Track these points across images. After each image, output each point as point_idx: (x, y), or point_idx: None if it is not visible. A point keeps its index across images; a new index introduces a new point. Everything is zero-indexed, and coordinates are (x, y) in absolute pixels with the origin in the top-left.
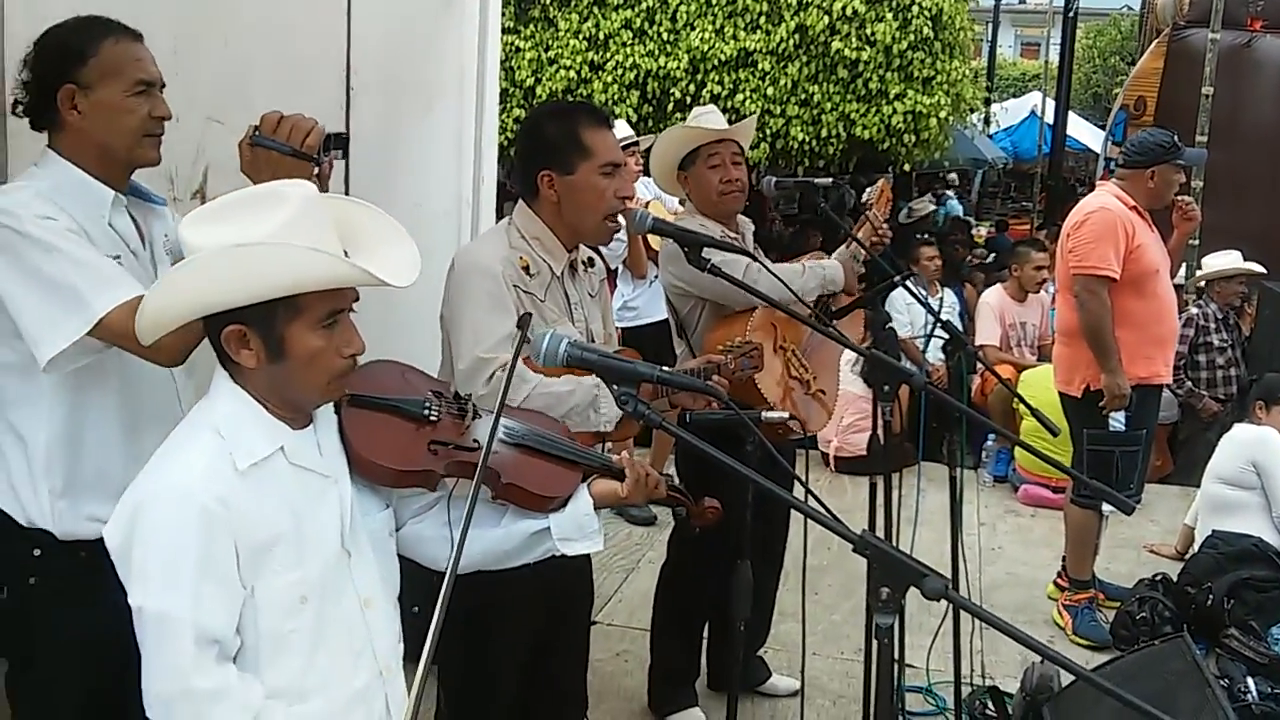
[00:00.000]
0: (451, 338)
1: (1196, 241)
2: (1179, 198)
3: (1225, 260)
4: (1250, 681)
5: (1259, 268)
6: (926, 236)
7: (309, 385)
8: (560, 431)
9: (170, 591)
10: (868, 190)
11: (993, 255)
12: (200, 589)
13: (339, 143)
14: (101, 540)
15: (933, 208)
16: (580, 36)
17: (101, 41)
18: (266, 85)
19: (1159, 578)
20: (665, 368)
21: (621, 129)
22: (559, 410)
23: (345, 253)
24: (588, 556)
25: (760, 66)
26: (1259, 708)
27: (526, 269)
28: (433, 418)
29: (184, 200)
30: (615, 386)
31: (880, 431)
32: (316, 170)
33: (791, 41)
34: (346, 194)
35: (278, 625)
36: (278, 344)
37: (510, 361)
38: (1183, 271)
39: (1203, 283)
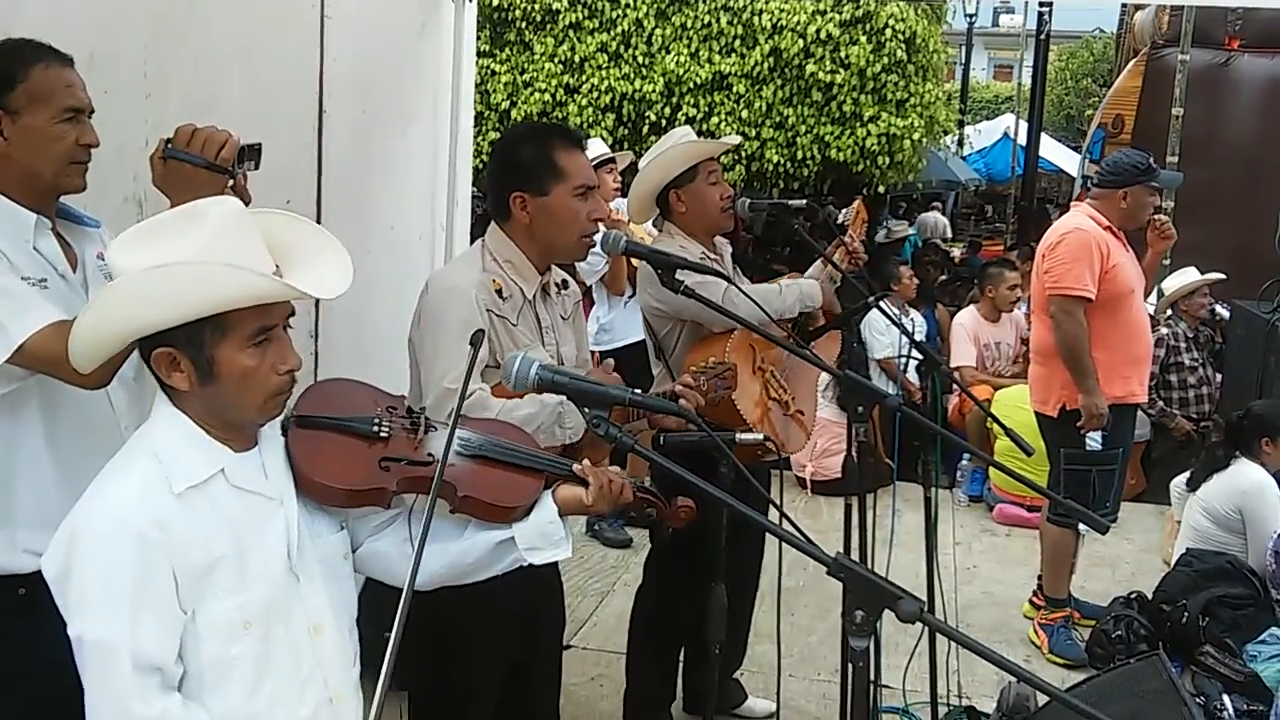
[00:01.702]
0: (421, 365)
1: (1168, 261)
2: (1155, 217)
3: (1183, 278)
4: (1226, 699)
5: (1217, 275)
6: (904, 257)
7: (245, 405)
8: (520, 439)
9: (107, 619)
10: (844, 211)
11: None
12: (138, 615)
13: (253, 154)
14: (40, 573)
15: (911, 230)
16: (556, 60)
17: (31, 67)
18: (237, 107)
19: (1134, 596)
20: (637, 390)
21: (597, 146)
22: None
23: (277, 267)
24: (560, 580)
25: (735, 89)
26: None
27: (499, 292)
28: (383, 434)
29: None
30: (586, 410)
31: (854, 452)
32: (231, 183)
33: (766, 65)
34: (318, 217)
35: (221, 651)
36: (208, 365)
37: (464, 376)
38: (1153, 296)
39: (1168, 309)
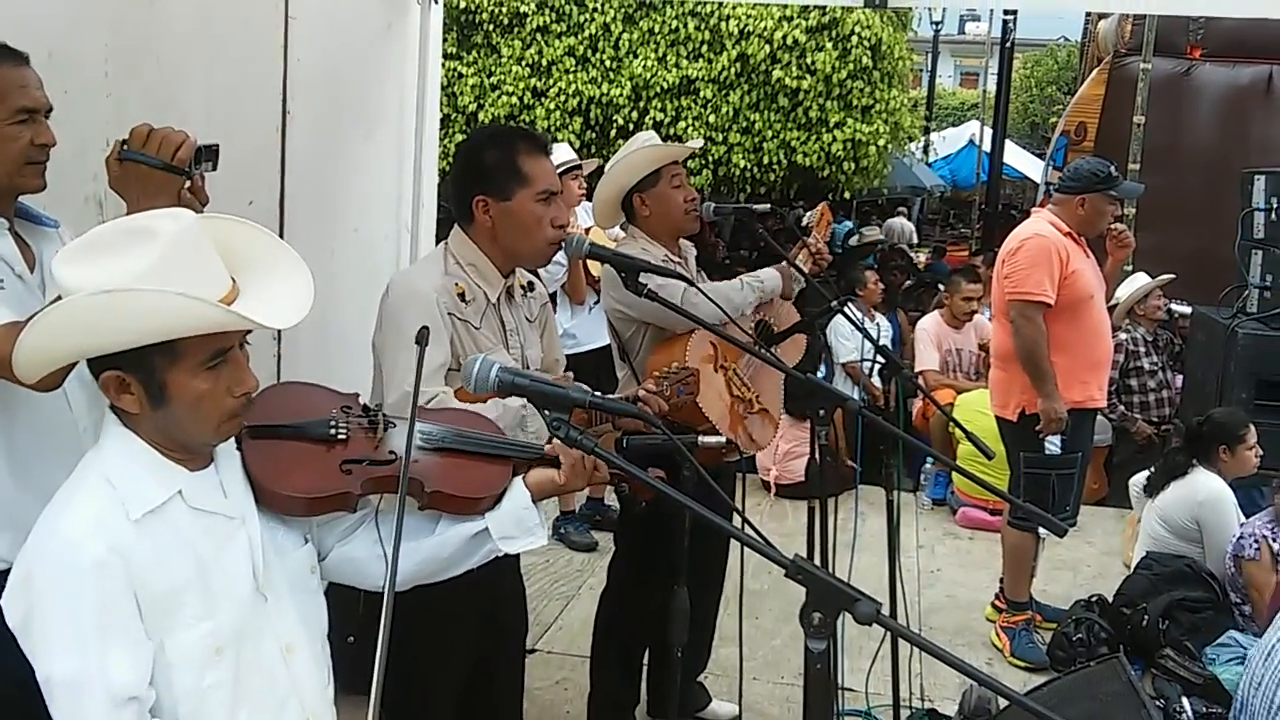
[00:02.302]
0: (383, 368)
1: (1130, 267)
2: (1113, 225)
3: (1134, 284)
4: (1185, 702)
5: (1167, 277)
6: (871, 262)
7: (199, 429)
8: (481, 426)
9: (74, 654)
10: (808, 214)
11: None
12: (105, 647)
13: (210, 155)
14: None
15: (880, 235)
16: (523, 63)
17: None
18: (200, 108)
19: (1095, 599)
20: (598, 393)
21: (564, 152)
22: None
23: (234, 280)
24: (523, 583)
25: (702, 94)
26: None
27: (462, 295)
28: (341, 436)
29: None
30: (547, 412)
31: (817, 456)
32: (188, 183)
33: (733, 70)
34: (281, 218)
35: (195, 682)
36: (159, 390)
37: (415, 371)
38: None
39: (1125, 316)
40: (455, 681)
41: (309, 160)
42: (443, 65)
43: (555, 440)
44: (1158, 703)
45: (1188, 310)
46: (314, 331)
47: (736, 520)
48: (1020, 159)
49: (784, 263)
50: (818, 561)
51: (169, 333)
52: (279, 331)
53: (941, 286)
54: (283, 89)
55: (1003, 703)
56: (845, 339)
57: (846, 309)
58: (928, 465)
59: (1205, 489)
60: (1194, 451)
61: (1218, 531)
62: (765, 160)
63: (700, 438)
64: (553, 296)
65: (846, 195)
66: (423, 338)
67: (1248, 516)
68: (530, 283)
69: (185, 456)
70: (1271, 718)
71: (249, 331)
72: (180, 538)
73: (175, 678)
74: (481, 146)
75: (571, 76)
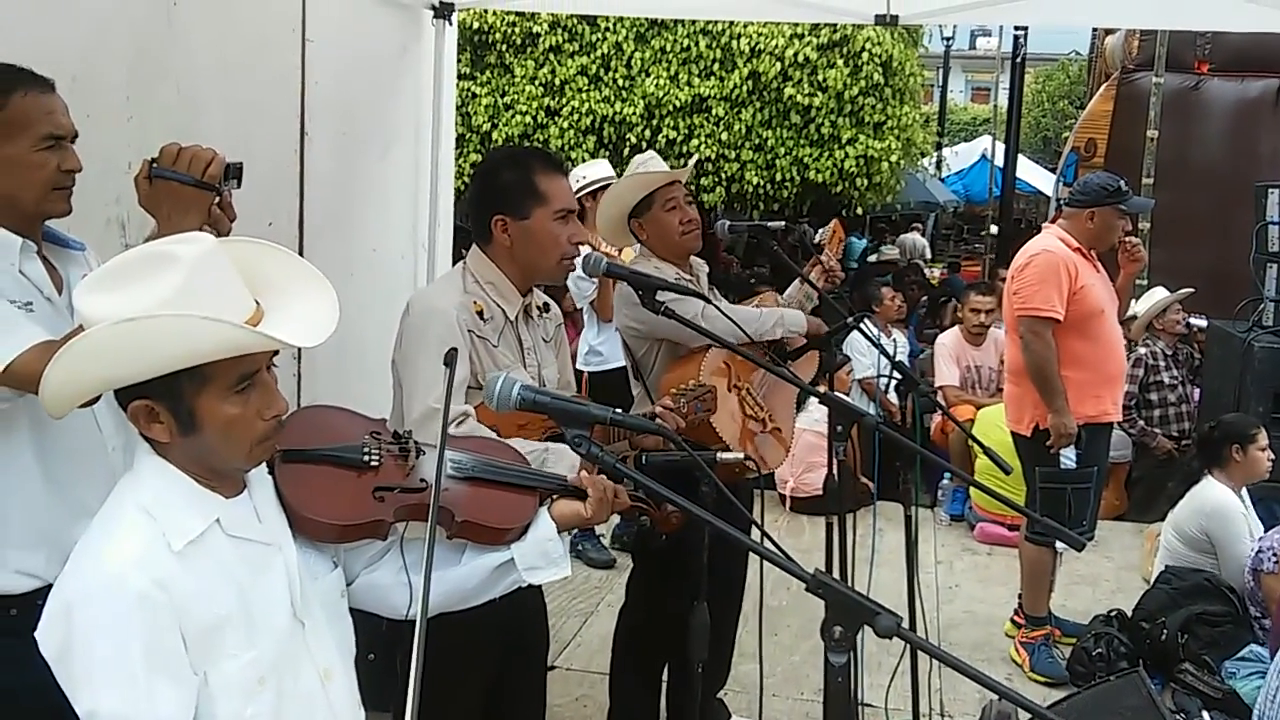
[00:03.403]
0: (404, 385)
1: (1144, 281)
2: (1125, 239)
3: (1153, 298)
4: (1206, 716)
5: (1186, 291)
6: (887, 279)
7: (231, 454)
8: (508, 456)
9: (121, 691)
10: (820, 231)
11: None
12: (153, 683)
13: (236, 172)
14: (32, 595)
15: (898, 255)
16: (536, 83)
17: (10, 94)
18: (219, 130)
19: (1114, 614)
20: (618, 410)
21: (602, 168)
22: None
23: (258, 303)
24: (544, 599)
25: (714, 112)
26: None
27: (481, 314)
28: (374, 463)
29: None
30: (569, 430)
31: (835, 471)
32: (217, 199)
33: (745, 88)
34: (300, 238)
35: (237, 712)
36: (188, 416)
37: (444, 396)
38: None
39: (1144, 330)
40: (477, 699)
41: (327, 181)
42: (457, 85)
43: (582, 473)
44: (1178, 717)
45: (1204, 324)
46: (332, 351)
47: (756, 535)
48: (1033, 173)
49: (799, 283)
50: (840, 577)
51: (196, 357)
52: (298, 351)
53: (957, 302)
54: (300, 111)
55: (1024, 718)
56: (861, 355)
57: (862, 325)
58: (945, 481)
59: (1211, 500)
60: (1206, 458)
61: (1226, 543)
62: (778, 177)
63: (719, 454)
64: (573, 314)
65: (860, 211)
66: (451, 359)
67: (1268, 529)
68: (546, 304)
69: (219, 483)
70: None
71: (276, 353)
72: (221, 567)
73: (218, 709)
74: (499, 166)
75: (584, 95)
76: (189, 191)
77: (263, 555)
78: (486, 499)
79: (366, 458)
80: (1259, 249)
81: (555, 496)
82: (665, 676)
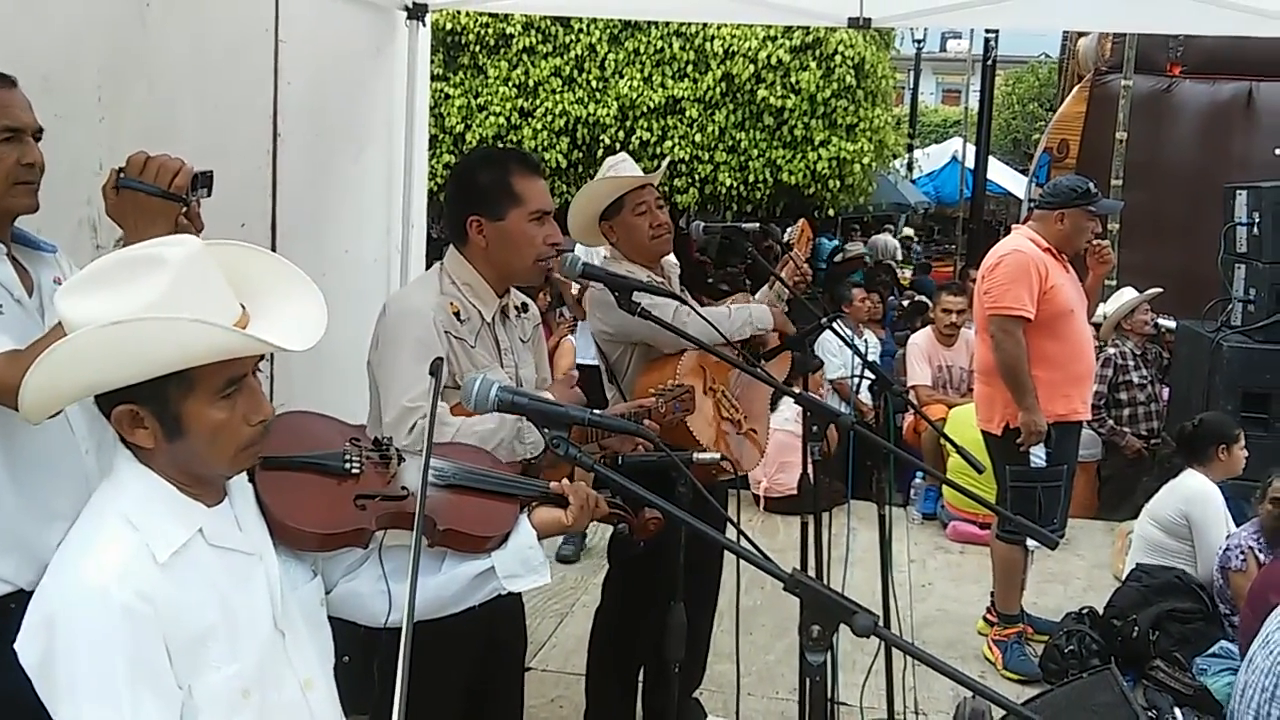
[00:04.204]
0: (380, 386)
1: (1113, 282)
2: (1094, 241)
3: (1121, 299)
4: (1177, 712)
5: (1154, 291)
6: (858, 279)
7: (216, 460)
8: (488, 463)
9: (104, 706)
10: (789, 230)
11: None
12: (137, 697)
13: (205, 181)
14: (3, 600)
15: (864, 250)
16: (510, 84)
17: None
18: (192, 131)
19: (1086, 611)
20: (596, 410)
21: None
22: (486, 448)
23: (242, 306)
24: (521, 600)
25: (688, 114)
26: None
27: (457, 315)
28: (354, 470)
29: (107, 247)
30: (546, 430)
31: (810, 471)
32: (184, 210)
33: (719, 89)
34: (273, 239)
35: None
36: (174, 422)
37: (430, 407)
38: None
39: (1113, 331)
40: (454, 701)
41: (300, 182)
42: (430, 86)
43: (563, 480)
44: (1149, 713)
45: (1172, 325)
46: (305, 354)
47: (732, 535)
48: (1003, 175)
49: (770, 286)
50: (813, 576)
51: (185, 361)
52: (271, 355)
53: (929, 302)
54: (273, 112)
55: (997, 715)
56: (833, 355)
57: (835, 325)
58: (918, 480)
59: (1192, 487)
60: (1189, 454)
61: (1206, 528)
62: (751, 179)
63: (695, 455)
64: (547, 315)
65: (832, 213)
66: (437, 369)
67: (1238, 526)
68: (524, 304)
69: (202, 491)
70: None
71: (262, 358)
72: (205, 578)
73: None
74: (475, 167)
75: (558, 97)
76: (155, 202)
77: (245, 565)
78: (468, 507)
79: (348, 465)
80: (1227, 250)
81: (536, 504)
82: (641, 677)
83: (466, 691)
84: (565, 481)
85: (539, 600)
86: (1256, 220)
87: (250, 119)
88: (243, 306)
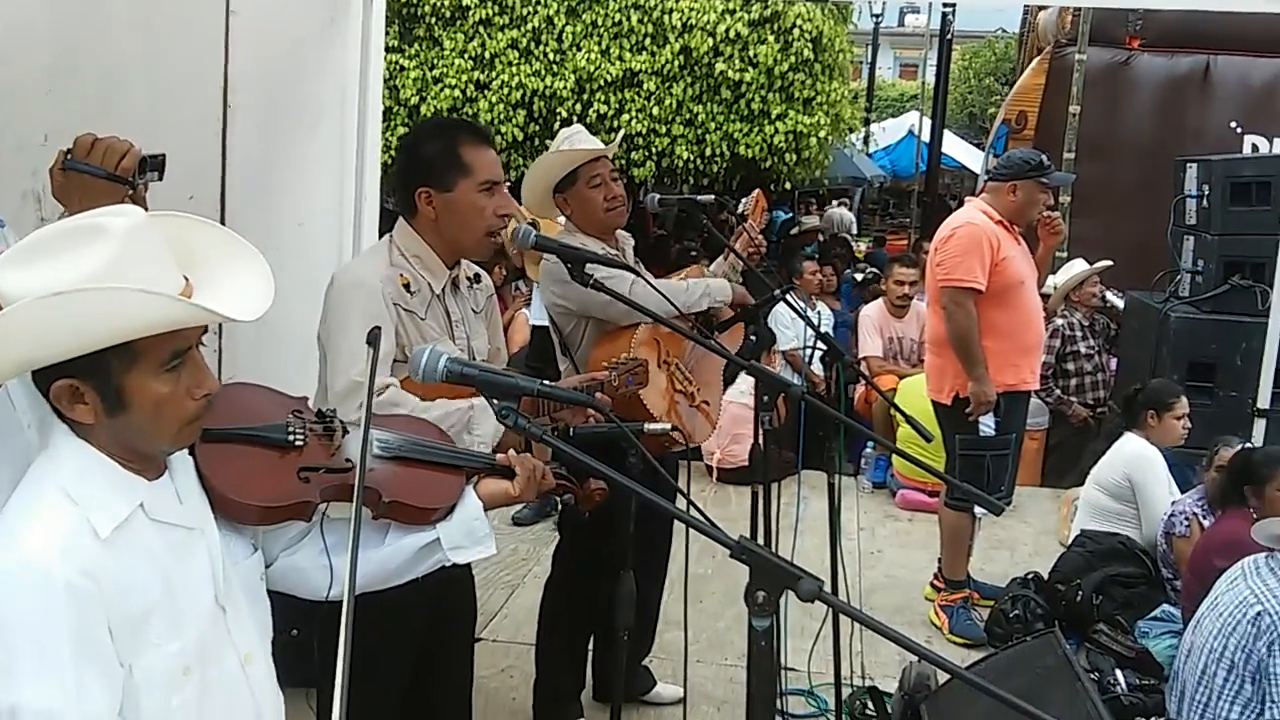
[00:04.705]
0: (328, 358)
1: (1066, 253)
2: (1044, 212)
3: (1072, 270)
4: (1119, 674)
5: (1105, 264)
6: (810, 251)
7: (158, 435)
8: (436, 435)
9: (47, 685)
10: (743, 202)
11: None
12: (81, 676)
13: (155, 165)
14: None
15: (819, 223)
16: (466, 56)
17: None
18: (140, 103)
19: (1031, 576)
20: (546, 381)
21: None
22: None
23: (186, 279)
24: (470, 571)
25: (646, 87)
26: (1127, 699)
27: (407, 286)
28: (298, 442)
29: (52, 219)
30: (495, 401)
31: (761, 441)
32: (131, 193)
33: (676, 63)
34: (222, 212)
35: (162, 703)
36: (116, 396)
37: (369, 374)
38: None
39: (1062, 302)
40: (402, 672)
41: (251, 155)
42: (385, 58)
43: (510, 451)
44: (1092, 675)
45: (1121, 303)
46: (255, 327)
47: (682, 504)
48: (958, 149)
49: (724, 258)
50: (764, 544)
51: (129, 333)
52: (220, 327)
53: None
54: (224, 84)
55: (942, 678)
56: (785, 327)
57: (788, 298)
58: (868, 449)
59: (1133, 450)
60: (1128, 419)
61: (1149, 489)
62: (708, 152)
63: (646, 425)
64: (502, 288)
65: (788, 186)
66: (374, 338)
67: (1183, 493)
68: (477, 275)
69: (142, 466)
70: (1199, 684)
71: (205, 330)
72: (146, 554)
73: (142, 701)
74: (423, 138)
75: (514, 69)
76: (100, 184)
77: (186, 540)
78: (413, 479)
79: (291, 437)
80: (1176, 222)
81: (482, 475)
82: (591, 646)
83: (415, 663)
84: (511, 453)
85: (490, 571)
86: (1206, 193)
87: (200, 90)
88: (186, 279)
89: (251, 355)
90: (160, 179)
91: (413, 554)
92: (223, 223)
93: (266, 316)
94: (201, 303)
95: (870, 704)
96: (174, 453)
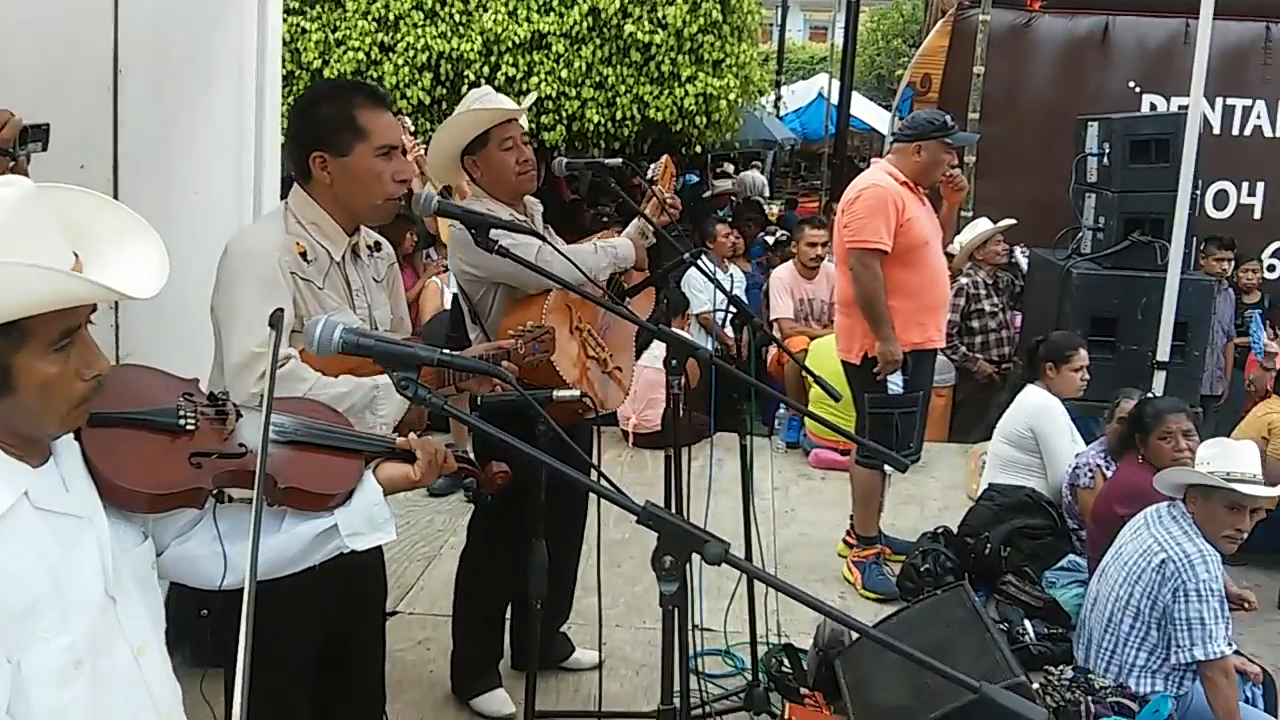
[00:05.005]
0: (222, 330)
1: (970, 213)
2: (948, 171)
3: (975, 230)
4: (1027, 624)
5: (1008, 222)
6: (722, 214)
7: (46, 417)
8: (333, 419)
9: None
10: (652, 167)
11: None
12: None
13: (39, 135)
14: None
15: (732, 186)
16: (369, 17)
17: None
18: (26, 69)
19: (940, 531)
20: (447, 351)
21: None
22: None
23: (76, 255)
24: (380, 553)
25: (554, 49)
26: (1036, 648)
27: (304, 255)
28: (189, 426)
29: None
30: (395, 372)
31: (675, 405)
32: (12, 164)
33: (585, 24)
34: (115, 182)
35: (53, 699)
36: (2, 377)
37: (270, 359)
38: (954, 248)
39: (967, 260)
40: (311, 653)
41: (144, 122)
42: (285, 20)
43: (410, 435)
44: (1001, 626)
45: (1025, 262)
46: (151, 302)
47: (592, 473)
48: (867, 111)
49: (638, 221)
50: (677, 508)
51: (20, 310)
52: (116, 304)
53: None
54: (114, 47)
55: (855, 635)
56: (699, 290)
57: (700, 261)
58: (782, 410)
59: (1034, 401)
60: (1029, 371)
61: (1049, 438)
62: (619, 115)
63: (555, 393)
64: (413, 255)
65: (699, 149)
66: (277, 321)
67: (1088, 445)
68: (378, 243)
69: (25, 451)
70: (1105, 631)
71: (95, 309)
72: (32, 545)
73: (32, 697)
74: (317, 101)
75: (420, 31)
76: None
77: (74, 529)
78: (310, 464)
79: (181, 421)
80: (1078, 180)
81: (382, 459)
82: (507, 615)
83: (324, 643)
84: (412, 436)
85: (406, 545)
86: (1107, 151)
87: (89, 55)
88: (76, 255)
89: (149, 331)
90: (44, 149)
91: (309, 541)
92: (116, 193)
93: (164, 290)
94: (97, 279)
95: (786, 661)
96: (61, 436)
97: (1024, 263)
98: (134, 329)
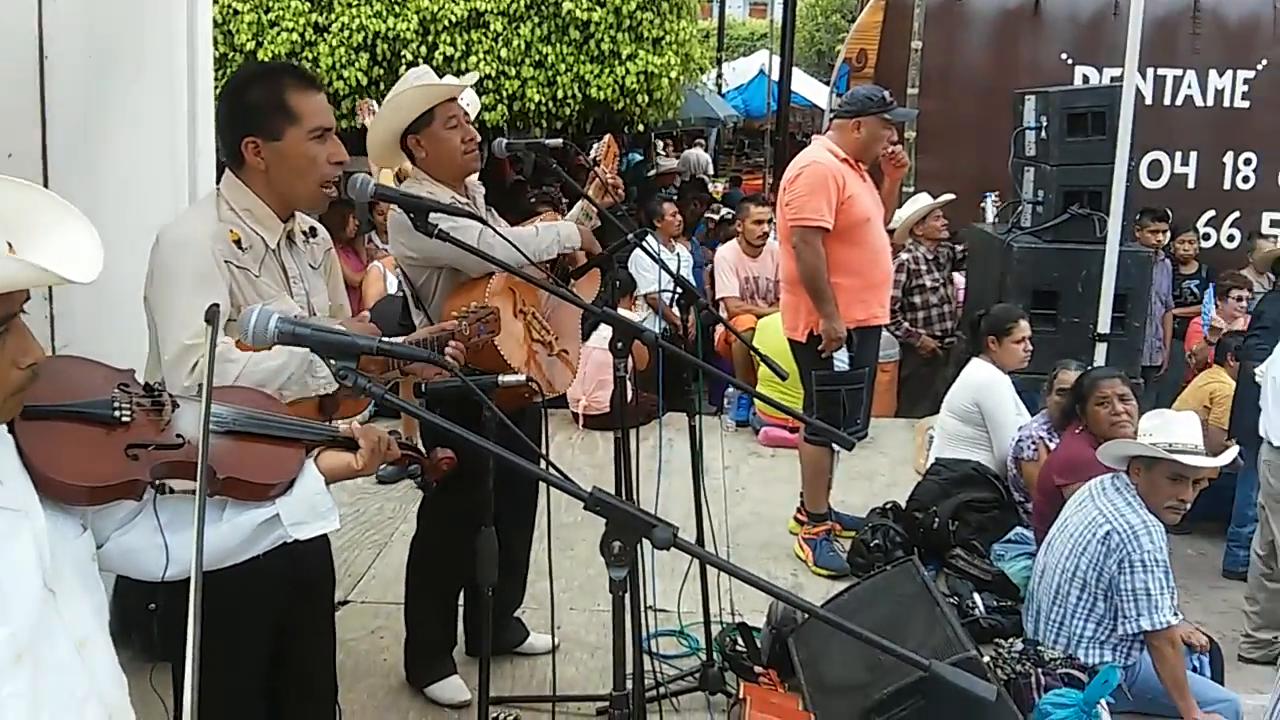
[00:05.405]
0: (157, 322)
1: (911, 188)
2: (888, 147)
3: (915, 205)
4: (977, 597)
5: (948, 197)
6: (668, 193)
7: None
8: (272, 407)
9: None
10: (594, 147)
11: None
12: None
13: None
14: None
15: (676, 166)
16: None
17: None
18: None
19: (889, 506)
20: (387, 338)
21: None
22: (274, 385)
23: (10, 245)
24: (327, 540)
25: (493, 27)
26: (986, 621)
27: (238, 243)
28: (125, 418)
29: None
30: (334, 362)
31: (620, 389)
32: None
33: (523, 2)
34: (45, 171)
35: None
36: None
37: (208, 351)
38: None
39: (907, 236)
40: (260, 643)
41: (72, 109)
42: (216, 2)
43: (353, 423)
44: (951, 600)
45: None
46: (86, 292)
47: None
48: (808, 87)
49: (582, 202)
50: (626, 491)
51: None
52: (49, 292)
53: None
54: (39, 32)
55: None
56: (645, 270)
57: (645, 242)
58: (730, 389)
59: (979, 376)
60: (973, 345)
61: (994, 411)
62: (560, 94)
63: (501, 378)
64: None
65: (642, 128)
66: (213, 316)
67: (1031, 417)
68: (313, 228)
69: None
70: (1053, 604)
71: (28, 298)
72: None
73: None
74: (246, 85)
75: (355, 11)
76: None
77: (9, 522)
78: (250, 454)
79: (117, 413)
80: (1017, 153)
81: (323, 448)
82: (460, 601)
83: (273, 634)
84: (354, 424)
85: (356, 533)
86: (1044, 124)
87: (13, 42)
88: (10, 245)
89: (85, 322)
90: None
91: (251, 531)
92: (46, 181)
93: (100, 280)
94: (36, 262)
95: (740, 640)
96: None
97: (991, 212)
98: (70, 319)
